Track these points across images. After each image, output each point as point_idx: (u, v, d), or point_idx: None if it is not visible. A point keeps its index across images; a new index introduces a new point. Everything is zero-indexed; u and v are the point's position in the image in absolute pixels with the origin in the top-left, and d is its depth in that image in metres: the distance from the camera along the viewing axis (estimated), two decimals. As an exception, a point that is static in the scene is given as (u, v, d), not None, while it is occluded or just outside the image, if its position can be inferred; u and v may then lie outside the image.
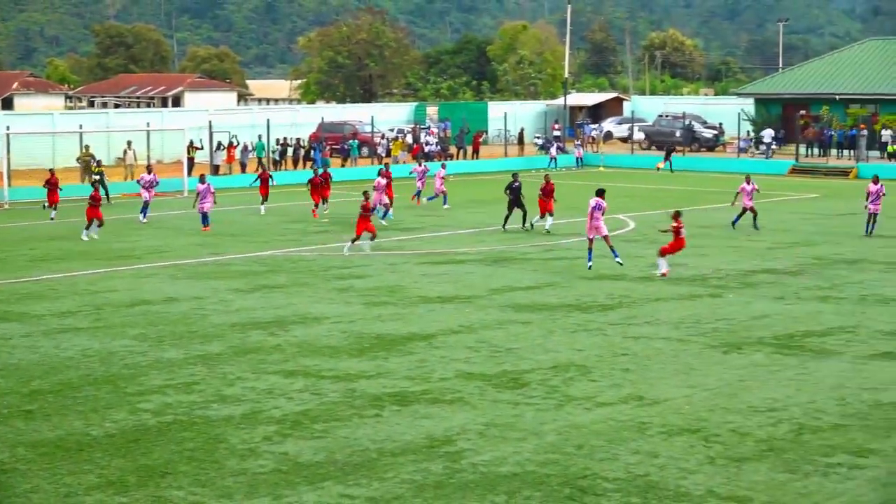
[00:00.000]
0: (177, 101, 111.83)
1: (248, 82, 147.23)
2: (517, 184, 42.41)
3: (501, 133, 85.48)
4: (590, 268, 32.60)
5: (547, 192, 41.27)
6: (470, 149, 79.04)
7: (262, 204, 48.68)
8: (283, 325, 25.42)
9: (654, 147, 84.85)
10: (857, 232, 41.14)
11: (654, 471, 15.65)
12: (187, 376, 20.84)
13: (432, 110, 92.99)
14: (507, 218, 42.19)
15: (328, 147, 72.17)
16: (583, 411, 18.51)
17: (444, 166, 53.63)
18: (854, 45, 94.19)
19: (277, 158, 70.15)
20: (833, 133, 77.16)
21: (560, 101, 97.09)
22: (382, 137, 77.44)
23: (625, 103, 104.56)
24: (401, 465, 15.93)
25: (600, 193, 33.17)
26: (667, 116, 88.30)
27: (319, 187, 47.06)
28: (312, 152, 70.05)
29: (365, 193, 38.09)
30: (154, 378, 20.73)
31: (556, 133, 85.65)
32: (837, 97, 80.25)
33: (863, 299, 28.52)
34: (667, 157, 72.54)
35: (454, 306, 27.68)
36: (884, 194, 40.65)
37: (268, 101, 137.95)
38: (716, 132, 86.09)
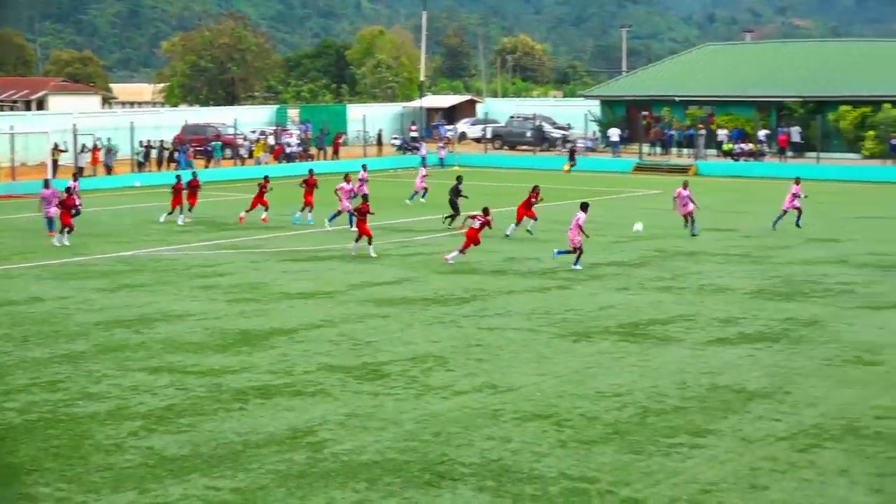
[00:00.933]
0: (41, 105, 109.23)
1: (112, 86, 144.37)
2: (460, 186, 42.75)
3: (360, 134, 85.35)
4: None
5: (528, 202, 39.63)
6: (330, 149, 78.75)
7: (190, 211, 44.81)
8: (147, 322, 25.04)
9: (506, 147, 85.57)
10: (669, 226, 41.99)
11: (507, 455, 15.80)
12: (52, 375, 20.40)
13: (293, 112, 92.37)
14: (452, 217, 41.98)
15: (192, 149, 71.18)
16: (440, 400, 18.60)
17: (424, 165, 53.13)
18: (692, 50, 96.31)
19: (142, 161, 68.96)
20: (673, 133, 78.72)
21: (416, 103, 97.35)
22: (245, 139, 76.69)
23: (478, 105, 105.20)
24: (265, 456, 15.83)
25: (584, 207, 32.85)
26: (518, 118, 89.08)
27: (179, 193, 43.96)
28: (176, 154, 69.08)
29: (364, 197, 37.26)
30: (19, 377, 20.25)
31: (414, 134, 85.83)
32: (677, 99, 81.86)
33: (701, 289, 29.16)
34: (571, 158, 72.58)
35: (315, 302, 27.58)
36: (805, 196, 41.76)
37: (132, 104, 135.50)
38: (564, 132, 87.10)
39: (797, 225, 40.79)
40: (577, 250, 32.33)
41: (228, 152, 74.40)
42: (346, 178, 43.08)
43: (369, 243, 34.72)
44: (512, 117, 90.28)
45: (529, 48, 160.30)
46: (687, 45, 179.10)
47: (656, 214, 46.81)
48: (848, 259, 34.34)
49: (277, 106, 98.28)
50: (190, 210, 44.65)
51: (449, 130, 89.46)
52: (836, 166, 67.76)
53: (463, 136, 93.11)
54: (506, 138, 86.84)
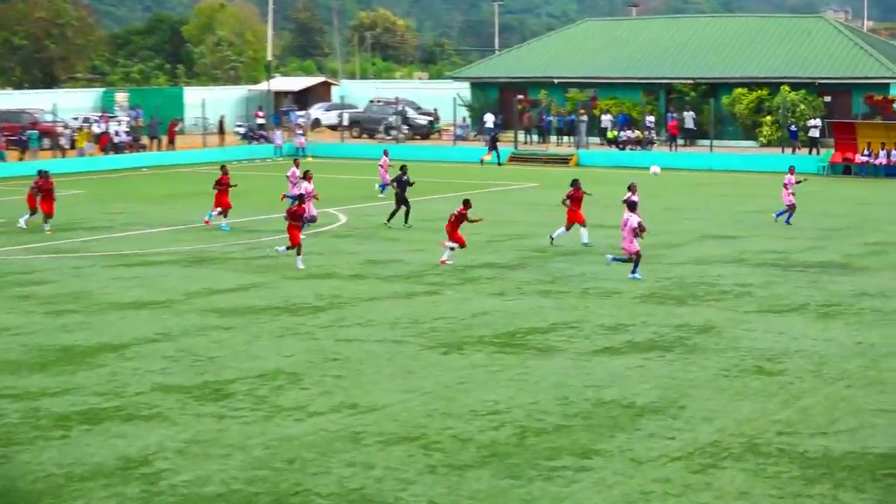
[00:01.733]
0: None
1: None
2: (406, 177, 42.24)
3: (199, 121, 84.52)
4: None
5: (576, 200, 37.48)
6: (165, 139, 77.80)
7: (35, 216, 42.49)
8: (-47, 339, 24.45)
9: (365, 135, 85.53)
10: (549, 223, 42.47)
11: (370, 483, 15.75)
12: None
13: (122, 97, 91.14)
14: (393, 213, 41.76)
15: (4, 138, 69.71)
16: (293, 422, 18.48)
17: (385, 153, 52.51)
18: (571, 27, 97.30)
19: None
20: (552, 118, 79.42)
21: (263, 85, 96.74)
22: (66, 127, 75.36)
23: (333, 88, 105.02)
24: (91, 490, 15.53)
25: (633, 207, 32.17)
26: (379, 102, 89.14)
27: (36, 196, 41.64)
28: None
29: (300, 197, 35.98)
30: None
31: (261, 121, 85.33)
32: (556, 80, 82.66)
33: (585, 293, 29.48)
34: (492, 148, 71.75)
35: (149, 312, 27.21)
36: (799, 181, 43.18)
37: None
38: (431, 118, 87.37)
39: (787, 222, 42.00)
40: (635, 256, 31.32)
41: (47, 142, 72.99)
42: (296, 163, 43.91)
43: (297, 253, 33.30)
44: (371, 102, 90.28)
45: (391, 24, 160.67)
46: (566, 20, 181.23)
47: (535, 210, 47.19)
48: (745, 258, 35.03)
49: (103, 89, 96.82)
50: (46, 220, 41.64)
51: (301, 117, 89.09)
52: (731, 155, 69.13)
53: (317, 123, 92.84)
54: (365, 125, 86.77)
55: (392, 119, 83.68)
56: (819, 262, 34.15)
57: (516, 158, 72.85)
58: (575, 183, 37.84)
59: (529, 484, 15.74)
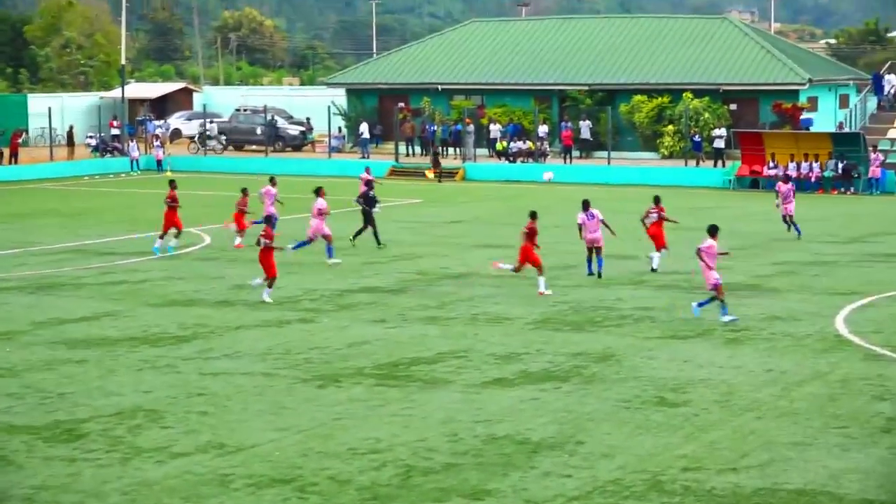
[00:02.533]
0: None
1: None
2: (372, 192, 42.18)
3: (45, 132, 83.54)
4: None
5: (658, 223, 37.59)
6: (6, 151, 76.75)
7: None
8: None
9: (232, 147, 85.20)
10: (463, 242, 42.73)
11: (240, 531, 15.70)
12: None
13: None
14: (359, 231, 41.83)
15: None
16: (154, 465, 18.35)
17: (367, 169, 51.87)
18: (456, 28, 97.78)
19: None
20: (436, 128, 79.63)
21: (117, 92, 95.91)
22: None
23: (195, 95, 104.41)
24: (-73, 544, 15.31)
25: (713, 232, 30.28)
26: (245, 111, 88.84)
27: None
28: None
29: (268, 219, 34.42)
30: None
31: (115, 131, 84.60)
32: (440, 87, 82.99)
33: (474, 319, 29.62)
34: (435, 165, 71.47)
35: (-9, 345, 26.87)
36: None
37: None
38: (303, 129, 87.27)
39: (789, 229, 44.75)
40: (718, 291, 29.50)
41: None
42: (272, 182, 43.77)
43: (269, 285, 32.23)
44: (237, 110, 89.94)
45: (258, 25, 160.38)
46: (450, 21, 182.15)
47: (418, 229, 47.34)
48: (646, 279, 35.46)
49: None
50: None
51: (159, 126, 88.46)
52: (630, 168, 69.88)
53: (176, 134, 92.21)
54: (230, 136, 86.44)
55: (259, 130, 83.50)
56: (726, 284, 34.59)
57: (397, 172, 72.87)
58: (657, 200, 38.42)
59: (418, 529, 15.80)
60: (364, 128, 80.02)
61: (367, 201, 42.24)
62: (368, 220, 41.96)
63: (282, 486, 17.43)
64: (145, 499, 16.88)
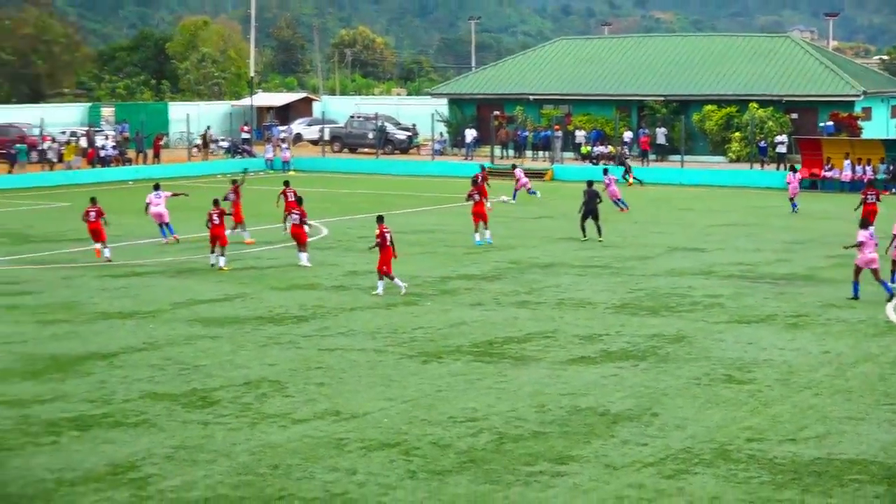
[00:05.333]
0: None
1: None
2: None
3: (184, 136, 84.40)
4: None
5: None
6: (150, 153, 77.67)
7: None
8: (-56, 347, 24.38)
9: (346, 150, 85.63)
10: (551, 235, 42.62)
11: (353, 488, 15.79)
12: None
13: (108, 111, 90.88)
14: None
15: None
16: (277, 429, 18.50)
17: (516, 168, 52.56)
18: (546, 45, 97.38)
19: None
20: (528, 134, 79.56)
21: (246, 101, 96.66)
22: (53, 141, 75.14)
23: (314, 104, 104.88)
24: (81, 494, 15.53)
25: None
26: (359, 117, 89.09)
27: None
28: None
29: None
30: None
31: (245, 135, 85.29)
32: (531, 97, 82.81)
33: (560, 304, 29.55)
34: (627, 171, 67.79)
35: (136, 322, 27.19)
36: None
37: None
38: (409, 133, 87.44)
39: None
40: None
41: (35, 156, 72.82)
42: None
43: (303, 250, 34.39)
44: (352, 117, 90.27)
45: (370, 41, 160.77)
46: (541, 38, 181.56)
47: (510, 223, 47.28)
48: (715, 270, 35.17)
49: (90, 104, 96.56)
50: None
51: (283, 131, 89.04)
52: (700, 170, 69.32)
53: (298, 138, 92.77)
54: (345, 140, 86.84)
55: (371, 134, 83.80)
56: (785, 275, 34.31)
57: (494, 173, 72.69)
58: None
59: (507, 489, 15.79)
60: (469, 133, 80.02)
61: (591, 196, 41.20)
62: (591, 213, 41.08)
63: (389, 449, 17.50)
64: (270, 458, 17.02)
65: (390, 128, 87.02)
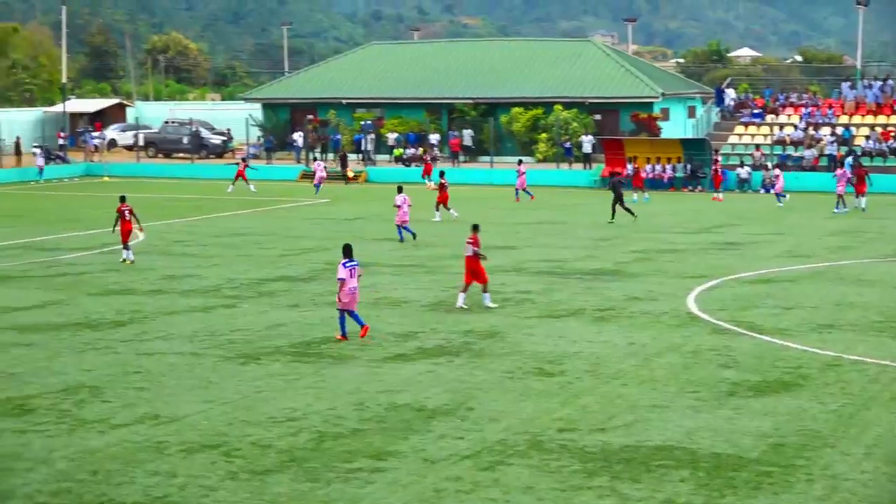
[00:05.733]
0: None
1: None
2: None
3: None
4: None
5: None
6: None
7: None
8: None
9: (161, 155, 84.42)
10: (366, 236, 42.59)
11: (174, 491, 15.52)
12: None
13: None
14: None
15: None
16: (96, 435, 18.08)
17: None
18: (357, 50, 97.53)
19: None
20: (340, 137, 79.46)
21: (59, 107, 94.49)
22: None
23: (128, 109, 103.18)
24: None
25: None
26: (173, 123, 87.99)
27: None
28: None
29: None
30: None
31: (62, 142, 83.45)
32: (344, 101, 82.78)
33: (376, 303, 29.52)
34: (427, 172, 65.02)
35: (-51, 331, 26.34)
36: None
37: None
38: (224, 138, 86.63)
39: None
40: None
41: None
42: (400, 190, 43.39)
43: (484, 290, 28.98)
44: (166, 122, 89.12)
45: (183, 47, 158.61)
46: (352, 43, 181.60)
47: (324, 224, 47.15)
48: (525, 266, 35.57)
49: None
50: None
51: (96, 138, 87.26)
52: (509, 171, 70.03)
53: (113, 144, 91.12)
54: (160, 145, 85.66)
55: (186, 139, 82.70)
56: (593, 270, 34.88)
57: (308, 176, 72.47)
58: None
59: (328, 486, 15.71)
60: (297, 136, 79.58)
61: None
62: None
63: (210, 451, 17.26)
64: (89, 464, 16.63)
65: (205, 133, 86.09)
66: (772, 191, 57.69)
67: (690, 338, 25.20)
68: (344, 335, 24.92)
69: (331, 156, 77.54)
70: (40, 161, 73.53)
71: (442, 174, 50.56)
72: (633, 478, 16.01)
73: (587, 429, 18.27)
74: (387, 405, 19.74)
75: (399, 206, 41.81)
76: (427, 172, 64.76)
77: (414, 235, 41.50)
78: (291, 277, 33.77)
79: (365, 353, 23.75)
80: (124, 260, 36.26)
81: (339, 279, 24.93)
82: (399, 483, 15.86)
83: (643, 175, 59.11)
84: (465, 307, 28.51)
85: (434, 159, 71.55)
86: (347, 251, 25.42)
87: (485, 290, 28.84)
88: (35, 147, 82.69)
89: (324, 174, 60.90)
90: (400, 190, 42.88)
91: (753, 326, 26.26)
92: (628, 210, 47.59)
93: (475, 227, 29.25)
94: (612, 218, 47.21)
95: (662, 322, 26.93)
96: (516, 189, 57.77)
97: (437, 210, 48.30)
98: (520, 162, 61.17)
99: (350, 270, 24.89)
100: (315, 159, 66.03)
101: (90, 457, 16.98)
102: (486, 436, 17.93)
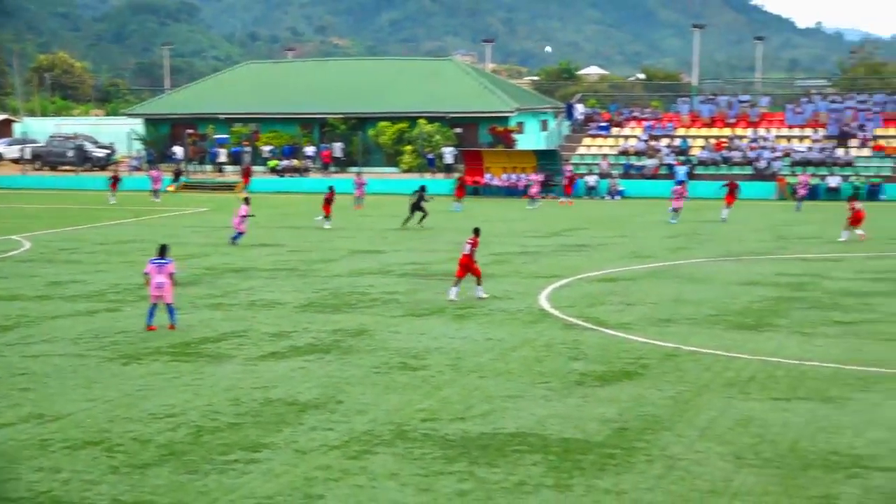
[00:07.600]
0: None
1: None
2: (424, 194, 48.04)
3: None
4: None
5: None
6: None
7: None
8: None
9: (47, 168, 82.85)
10: (244, 242, 42.20)
11: (57, 486, 15.20)
12: None
13: None
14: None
15: None
16: (-18, 434, 17.63)
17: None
18: (235, 68, 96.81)
19: None
20: (218, 150, 78.84)
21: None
22: None
23: (15, 125, 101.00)
24: None
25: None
26: (59, 137, 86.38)
27: None
28: None
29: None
30: None
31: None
32: (222, 116, 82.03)
33: (252, 305, 29.29)
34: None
35: None
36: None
37: None
38: (108, 151, 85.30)
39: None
40: None
41: None
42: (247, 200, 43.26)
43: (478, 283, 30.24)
44: (52, 137, 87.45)
45: (69, 66, 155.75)
46: (230, 62, 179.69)
47: (205, 232, 46.63)
48: (391, 269, 35.58)
49: None
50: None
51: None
52: (378, 180, 70.07)
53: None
54: (46, 158, 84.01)
55: (71, 153, 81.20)
56: (454, 272, 34.96)
57: (188, 186, 71.86)
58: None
59: (205, 477, 15.53)
60: (177, 149, 78.58)
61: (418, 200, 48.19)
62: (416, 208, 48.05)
63: (93, 447, 16.94)
64: (-25, 463, 16.22)
65: (89, 146, 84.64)
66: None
67: (543, 333, 25.43)
68: (150, 325, 25.57)
69: (208, 167, 76.83)
70: None
71: (331, 187, 50.33)
72: (490, 462, 16.10)
73: (448, 418, 18.32)
74: (261, 400, 19.58)
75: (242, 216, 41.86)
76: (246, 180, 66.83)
77: (233, 240, 41.80)
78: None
79: (241, 352, 23.54)
80: None
81: (144, 273, 26.25)
82: (273, 473, 15.75)
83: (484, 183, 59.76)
84: (456, 300, 29.16)
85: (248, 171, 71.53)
86: (161, 250, 26.29)
87: (478, 283, 29.97)
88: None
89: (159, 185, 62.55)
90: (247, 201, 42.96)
91: (599, 321, 26.62)
92: (411, 217, 47.93)
93: (476, 231, 30.56)
94: (406, 223, 47.84)
95: (518, 319, 27.14)
96: (356, 197, 58.35)
97: (328, 219, 48.17)
98: (359, 174, 62.07)
99: (158, 267, 25.71)
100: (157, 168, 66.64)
101: (-24, 455, 16.55)
102: (353, 427, 17.89)
